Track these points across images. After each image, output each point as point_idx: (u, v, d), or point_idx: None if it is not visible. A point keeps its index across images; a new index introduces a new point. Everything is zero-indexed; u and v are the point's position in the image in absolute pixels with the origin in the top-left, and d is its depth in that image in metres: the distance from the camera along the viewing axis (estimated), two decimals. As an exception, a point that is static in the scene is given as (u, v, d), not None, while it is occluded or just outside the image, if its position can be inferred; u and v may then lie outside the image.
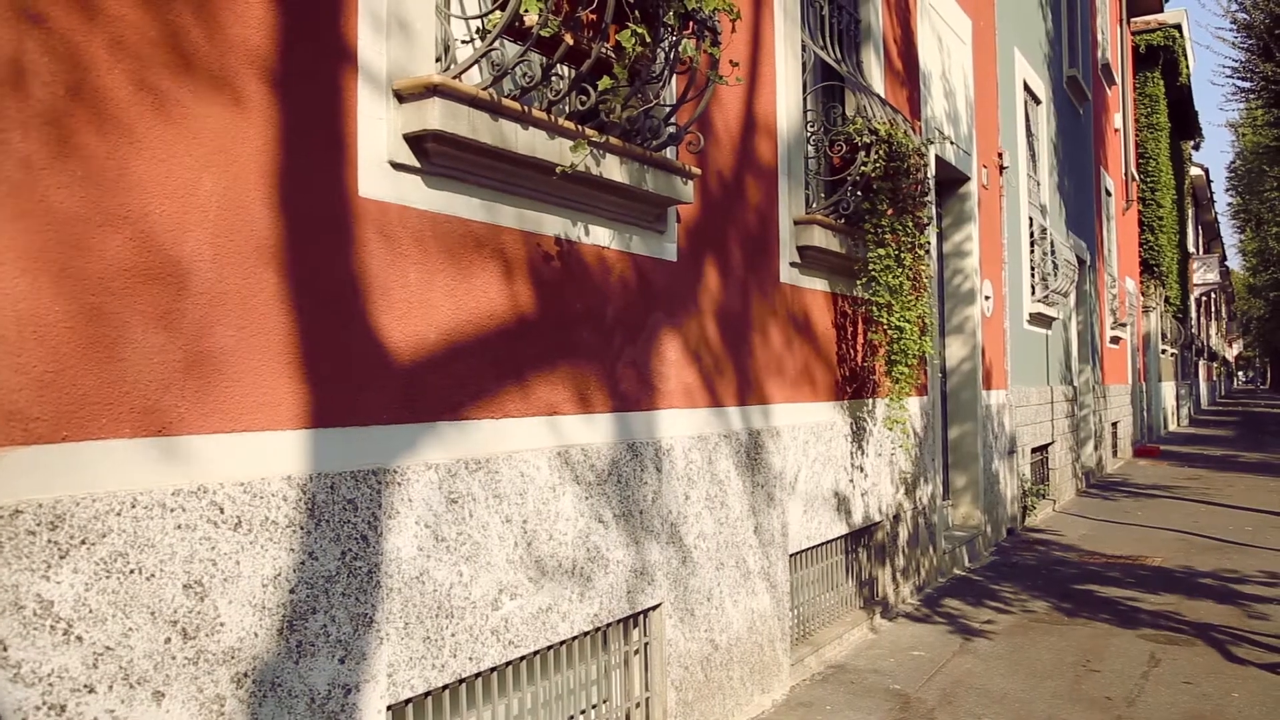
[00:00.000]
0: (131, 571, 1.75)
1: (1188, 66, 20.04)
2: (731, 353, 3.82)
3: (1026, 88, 9.15)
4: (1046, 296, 9.11)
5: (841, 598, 4.98)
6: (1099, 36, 13.77)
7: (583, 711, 3.06)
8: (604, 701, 3.16)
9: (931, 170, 6.03)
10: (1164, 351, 21.82)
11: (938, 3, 6.58)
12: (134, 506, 1.76)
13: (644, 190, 3.07)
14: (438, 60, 2.55)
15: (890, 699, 4.01)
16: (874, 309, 4.70)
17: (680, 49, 2.93)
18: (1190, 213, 28.18)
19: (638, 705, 3.27)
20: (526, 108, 2.57)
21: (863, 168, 4.46)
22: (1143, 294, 18.56)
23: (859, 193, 4.56)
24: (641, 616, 3.28)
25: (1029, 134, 9.38)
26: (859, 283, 4.76)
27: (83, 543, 1.68)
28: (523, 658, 2.76)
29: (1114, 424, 14.40)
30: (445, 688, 2.48)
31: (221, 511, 1.91)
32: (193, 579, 1.85)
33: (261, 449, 2.01)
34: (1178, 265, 22.17)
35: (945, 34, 6.76)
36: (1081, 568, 6.71)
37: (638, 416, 3.24)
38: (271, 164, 2.06)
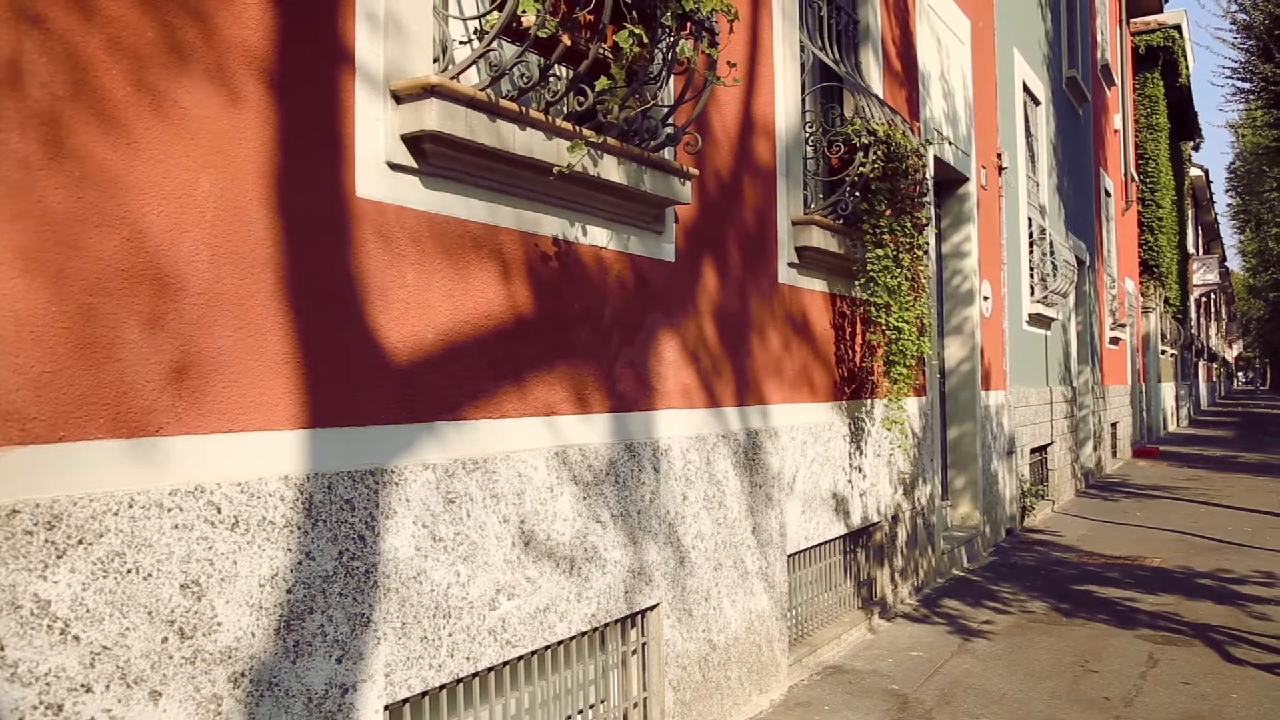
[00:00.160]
0: (128, 571, 1.76)
1: (1187, 67, 20.04)
2: (729, 353, 3.83)
3: (1025, 88, 9.16)
4: (1045, 297, 9.11)
5: (840, 598, 4.99)
6: (1098, 37, 13.78)
7: (580, 711, 3.06)
8: (602, 701, 3.16)
9: (930, 171, 6.03)
10: (1163, 352, 21.83)
11: (936, 3, 6.59)
12: (131, 506, 1.77)
13: (642, 191, 3.07)
14: (435, 61, 2.55)
15: (888, 699, 4.01)
16: (872, 309, 4.71)
17: (678, 50, 2.93)
18: (1190, 213, 28.20)
19: (635, 705, 3.27)
20: (524, 108, 2.57)
21: (861, 168, 4.47)
22: (1142, 295, 18.57)
23: (857, 193, 4.56)
24: (639, 617, 3.29)
25: (1028, 135, 9.39)
26: (857, 283, 4.76)
27: (80, 542, 1.68)
28: (520, 658, 2.76)
29: (1113, 424, 14.40)
30: (443, 688, 2.48)
31: (219, 511, 1.92)
32: (190, 579, 1.86)
33: (259, 449, 2.01)
34: (1177, 266, 22.17)
35: (944, 34, 6.77)
36: (1080, 568, 6.71)
37: (635, 417, 3.24)
38: (269, 165, 2.06)
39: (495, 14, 2.49)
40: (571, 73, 2.70)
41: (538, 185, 2.77)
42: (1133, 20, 18.26)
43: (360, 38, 2.29)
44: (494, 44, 2.43)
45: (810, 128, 4.77)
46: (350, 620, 2.18)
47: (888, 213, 4.62)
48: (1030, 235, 8.91)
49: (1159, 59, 18.55)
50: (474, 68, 2.66)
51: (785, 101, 4.35)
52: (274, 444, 2.04)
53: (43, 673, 1.62)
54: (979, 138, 7.41)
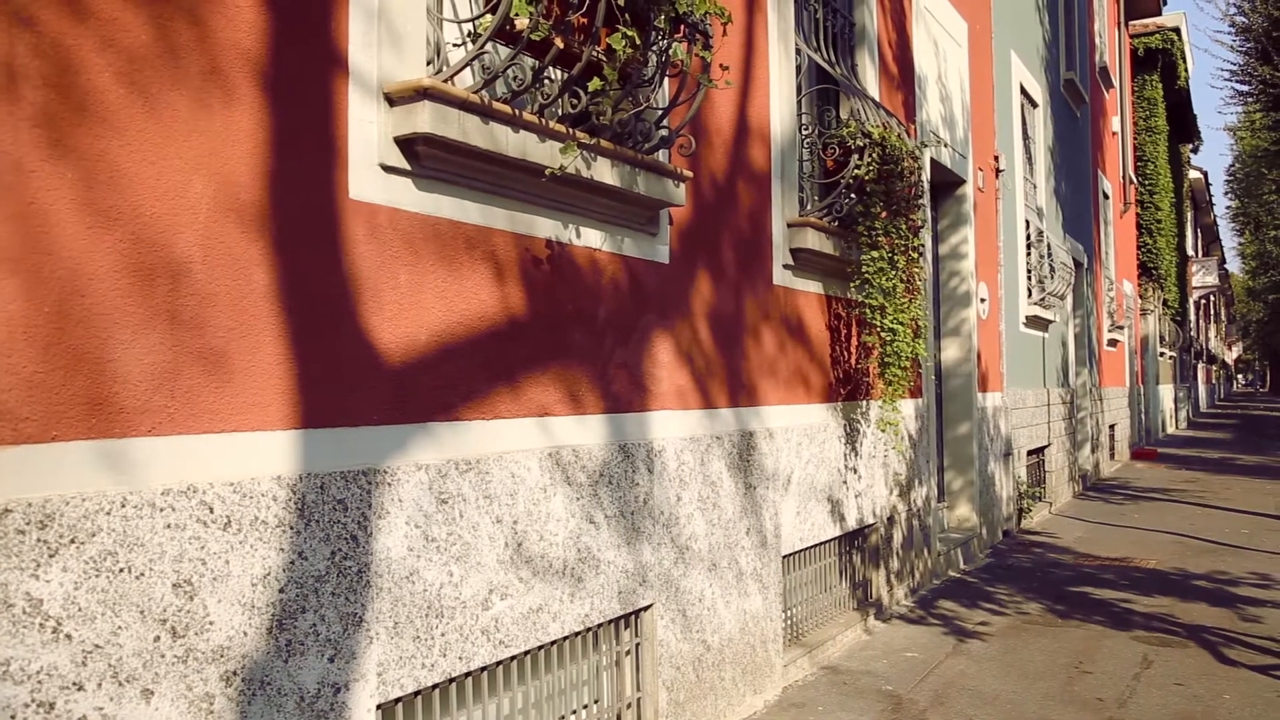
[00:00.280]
0: (121, 570, 1.77)
1: (1186, 70, 20.05)
2: (724, 354, 3.84)
3: (1023, 91, 9.17)
4: (1043, 299, 9.13)
5: (835, 599, 5.00)
6: (1097, 40, 13.79)
7: (574, 712, 3.07)
8: (595, 702, 3.17)
9: (926, 173, 6.05)
10: (1162, 354, 21.84)
11: (933, 6, 6.60)
12: (123, 506, 1.78)
13: (635, 193, 3.08)
14: (429, 63, 2.56)
15: (882, 700, 4.02)
16: (867, 311, 4.72)
17: (671, 52, 2.94)
18: (1189, 216, 28.20)
19: (629, 706, 3.28)
20: (517, 111, 2.58)
21: (856, 171, 4.48)
22: (1141, 297, 18.58)
23: (852, 195, 4.57)
24: (633, 617, 3.30)
25: (1026, 137, 9.40)
26: (852, 285, 4.78)
27: (72, 541, 1.70)
28: (513, 658, 2.78)
29: (1111, 426, 14.41)
30: (435, 687, 2.49)
31: (211, 511, 1.93)
32: (182, 578, 1.87)
33: (251, 449, 2.02)
34: (1176, 268, 22.18)
35: (941, 37, 6.78)
36: (1076, 570, 6.72)
37: (630, 418, 3.25)
38: (262, 166, 2.07)
39: (488, 17, 2.50)
40: (565, 75, 2.71)
41: (531, 187, 2.78)
42: (1131, 23, 18.28)
43: (354, 40, 2.30)
44: (487, 47, 2.44)
45: (806, 130, 4.78)
46: (343, 620, 2.19)
47: (883, 215, 4.63)
48: (1028, 237, 8.92)
49: (1158, 61, 18.56)
50: (467, 70, 2.67)
51: (780, 104, 4.37)
52: (267, 444, 2.06)
53: (35, 671, 1.63)
54: (976, 140, 7.43)
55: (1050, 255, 9.34)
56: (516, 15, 2.35)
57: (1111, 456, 14.40)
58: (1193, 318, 32.28)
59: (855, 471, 5.02)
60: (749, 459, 3.95)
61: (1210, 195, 33.60)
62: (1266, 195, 29.38)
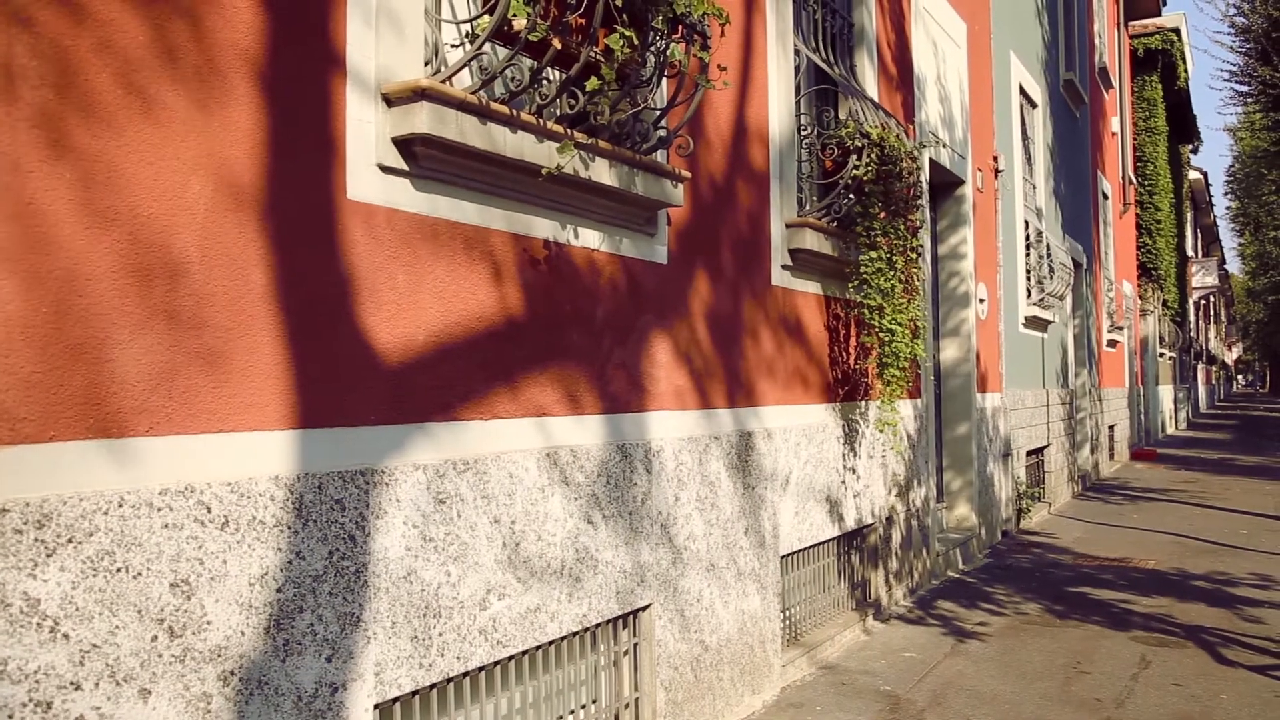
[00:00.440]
0: (118, 570, 1.77)
1: (1186, 70, 20.06)
2: (723, 355, 3.84)
3: (1022, 91, 9.17)
4: (1042, 300, 9.13)
5: (834, 599, 5.00)
6: (1096, 40, 13.80)
7: (571, 712, 3.08)
8: (593, 702, 3.17)
9: (925, 174, 6.05)
10: (1162, 355, 21.84)
11: (932, 6, 6.61)
12: (121, 506, 1.78)
13: (633, 193, 3.09)
14: (427, 64, 2.57)
15: (880, 700, 4.02)
16: (866, 312, 4.72)
17: (669, 53, 2.95)
18: (1189, 216, 28.21)
19: (627, 706, 3.29)
20: (515, 111, 2.59)
21: (855, 171, 4.48)
22: (1140, 297, 18.59)
23: (851, 196, 4.58)
24: (631, 617, 3.30)
25: (1025, 138, 9.41)
26: (851, 285, 4.78)
27: (70, 541, 1.70)
28: (511, 657, 2.78)
29: (1111, 427, 14.42)
30: (433, 687, 2.50)
31: (209, 511, 1.93)
32: (180, 578, 1.87)
33: (249, 449, 2.03)
34: (1176, 269, 22.19)
35: (940, 38, 6.78)
36: (1075, 570, 6.72)
37: (628, 418, 3.25)
38: (259, 166, 2.08)
39: (486, 17, 2.50)
40: (563, 76, 2.72)
41: (529, 187, 2.78)
42: (1131, 23, 18.28)
43: (352, 41, 2.30)
44: (485, 47, 2.44)
45: (804, 130, 4.78)
46: (340, 619, 2.20)
47: (881, 215, 4.64)
48: (1027, 238, 8.92)
49: (1157, 62, 18.57)
50: (465, 71, 2.67)
51: (779, 104, 4.37)
52: (264, 444, 2.06)
53: (32, 670, 1.63)
54: (975, 141, 7.43)
55: (1049, 256, 9.35)
56: (514, 16, 2.36)
57: (1111, 457, 14.40)
58: (1192, 318, 32.29)
59: (854, 472, 5.02)
60: (747, 459, 3.96)
61: (1210, 196, 33.62)
62: (1266, 196, 29.38)
